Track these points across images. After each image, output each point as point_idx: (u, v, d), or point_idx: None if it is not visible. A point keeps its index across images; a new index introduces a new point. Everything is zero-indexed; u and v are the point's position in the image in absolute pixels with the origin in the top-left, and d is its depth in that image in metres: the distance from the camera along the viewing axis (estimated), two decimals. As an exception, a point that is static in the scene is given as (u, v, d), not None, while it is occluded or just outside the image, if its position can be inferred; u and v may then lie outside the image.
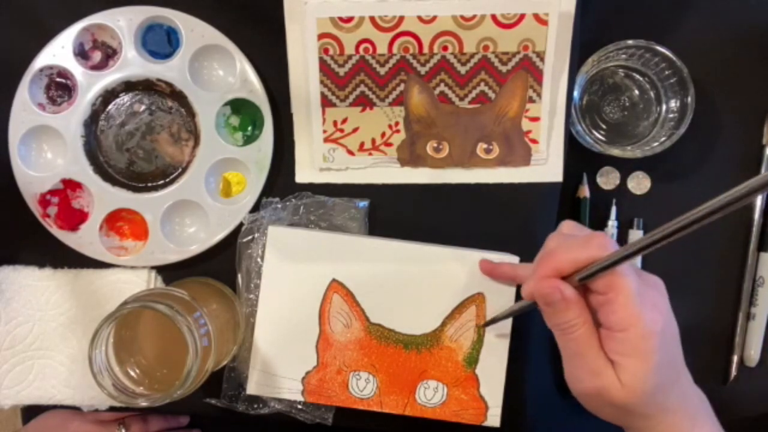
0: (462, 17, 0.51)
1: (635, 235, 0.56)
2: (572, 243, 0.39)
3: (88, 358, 0.44)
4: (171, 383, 0.44)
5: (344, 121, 0.54)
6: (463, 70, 0.53)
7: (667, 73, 0.54)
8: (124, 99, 0.55)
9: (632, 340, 0.36)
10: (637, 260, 0.56)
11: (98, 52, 0.54)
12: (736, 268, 0.57)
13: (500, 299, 0.51)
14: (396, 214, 0.55)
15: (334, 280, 0.52)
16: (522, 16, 0.51)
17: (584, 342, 0.38)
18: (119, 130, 0.55)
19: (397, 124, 0.54)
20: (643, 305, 0.36)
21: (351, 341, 0.52)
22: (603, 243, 0.37)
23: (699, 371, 0.41)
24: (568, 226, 0.42)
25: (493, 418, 0.52)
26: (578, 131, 0.54)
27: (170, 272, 0.55)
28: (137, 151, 0.55)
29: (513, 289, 0.52)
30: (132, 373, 0.47)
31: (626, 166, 0.57)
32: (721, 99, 0.56)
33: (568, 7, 0.51)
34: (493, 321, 0.51)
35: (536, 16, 0.51)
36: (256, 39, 0.53)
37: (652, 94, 0.56)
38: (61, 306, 0.54)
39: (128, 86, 0.54)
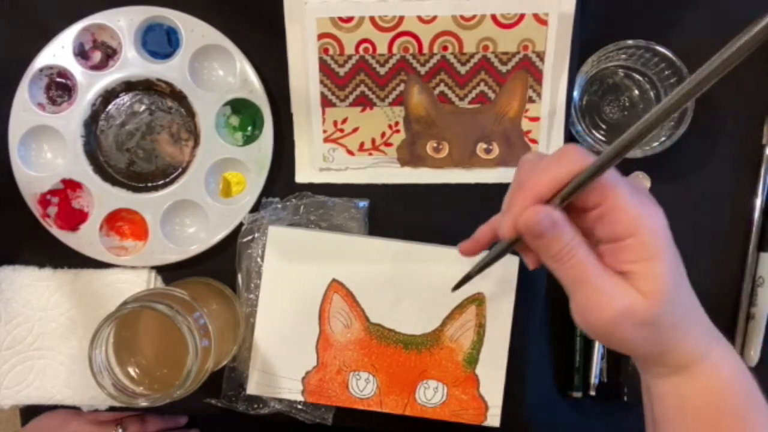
0: (462, 17, 0.51)
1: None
2: (545, 164, 0.35)
3: (88, 358, 0.44)
4: (171, 383, 0.44)
5: (344, 121, 0.54)
6: (462, 70, 0.53)
7: (666, 73, 0.54)
8: (124, 99, 0.55)
9: (644, 242, 0.33)
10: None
11: (98, 52, 0.54)
12: (736, 268, 0.57)
13: (500, 299, 0.51)
14: (396, 214, 0.55)
15: (334, 280, 0.52)
16: (522, 16, 0.51)
17: (587, 263, 0.34)
18: (119, 130, 0.55)
19: (397, 124, 0.54)
20: (642, 205, 0.33)
21: (351, 341, 0.52)
22: (579, 154, 0.33)
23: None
24: (530, 153, 0.38)
25: (493, 418, 0.52)
26: (578, 131, 0.54)
27: (170, 272, 0.55)
28: (137, 151, 0.55)
29: (513, 288, 0.52)
30: (132, 373, 0.47)
31: (626, 166, 0.57)
32: (721, 99, 0.56)
33: (568, 7, 0.51)
34: (468, 279, 0.46)
35: (536, 16, 0.51)
36: (256, 39, 0.53)
37: (652, 94, 0.56)
38: (61, 306, 0.54)
39: (128, 86, 0.54)
